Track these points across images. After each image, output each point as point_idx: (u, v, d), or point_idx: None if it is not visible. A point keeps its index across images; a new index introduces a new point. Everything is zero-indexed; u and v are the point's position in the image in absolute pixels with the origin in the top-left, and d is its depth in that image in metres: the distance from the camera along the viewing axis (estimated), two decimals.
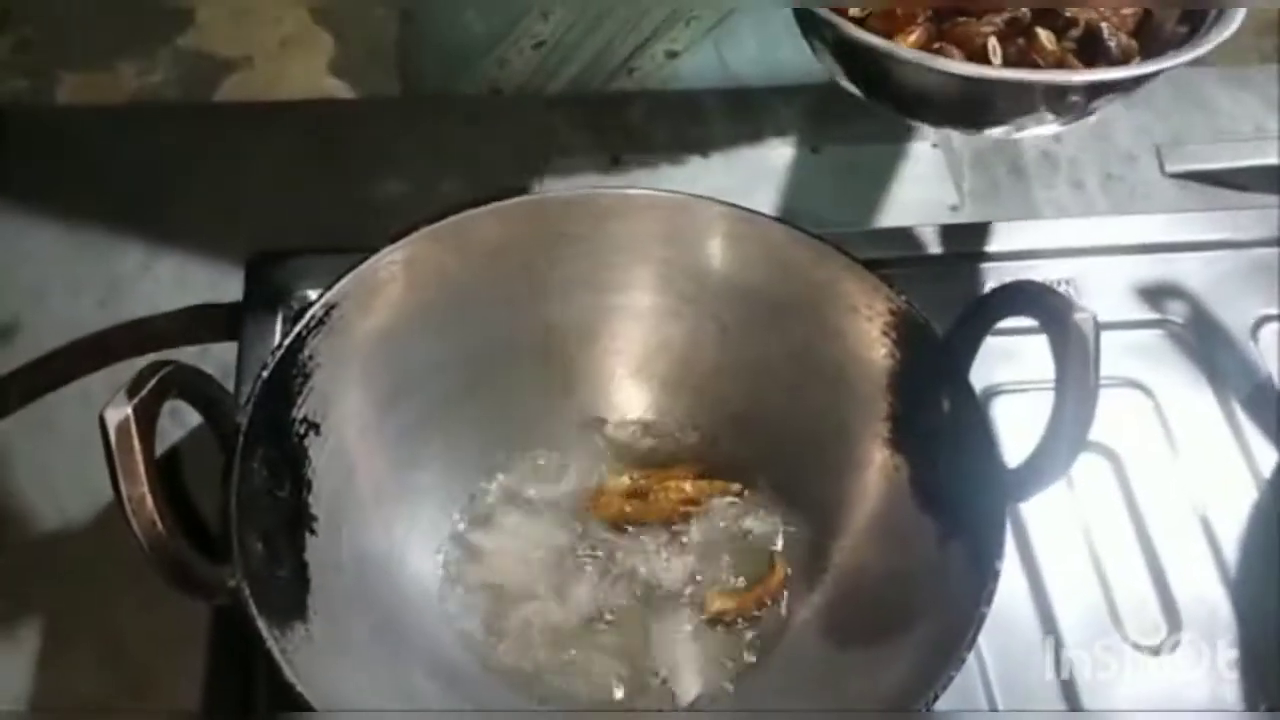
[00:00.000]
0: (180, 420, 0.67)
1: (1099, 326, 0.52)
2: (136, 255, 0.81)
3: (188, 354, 0.76)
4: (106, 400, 0.48)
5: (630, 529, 0.64)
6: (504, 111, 0.96)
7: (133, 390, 0.48)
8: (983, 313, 0.57)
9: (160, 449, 0.54)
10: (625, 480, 0.66)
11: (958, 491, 0.57)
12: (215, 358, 0.74)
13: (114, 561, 0.70)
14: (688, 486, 0.65)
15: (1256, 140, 1.00)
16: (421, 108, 0.97)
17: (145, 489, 0.47)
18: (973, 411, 0.57)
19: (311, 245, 0.78)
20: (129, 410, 0.47)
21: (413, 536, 0.62)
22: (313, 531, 0.57)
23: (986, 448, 0.56)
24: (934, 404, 0.59)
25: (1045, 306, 0.53)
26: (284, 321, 0.74)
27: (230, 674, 0.62)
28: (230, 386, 0.69)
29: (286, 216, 0.84)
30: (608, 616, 0.62)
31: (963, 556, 0.55)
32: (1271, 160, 0.97)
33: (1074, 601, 0.66)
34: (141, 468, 0.47)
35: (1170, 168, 0.98)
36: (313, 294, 0.70)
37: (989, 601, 0.51)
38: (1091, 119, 0.65)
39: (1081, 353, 0.51)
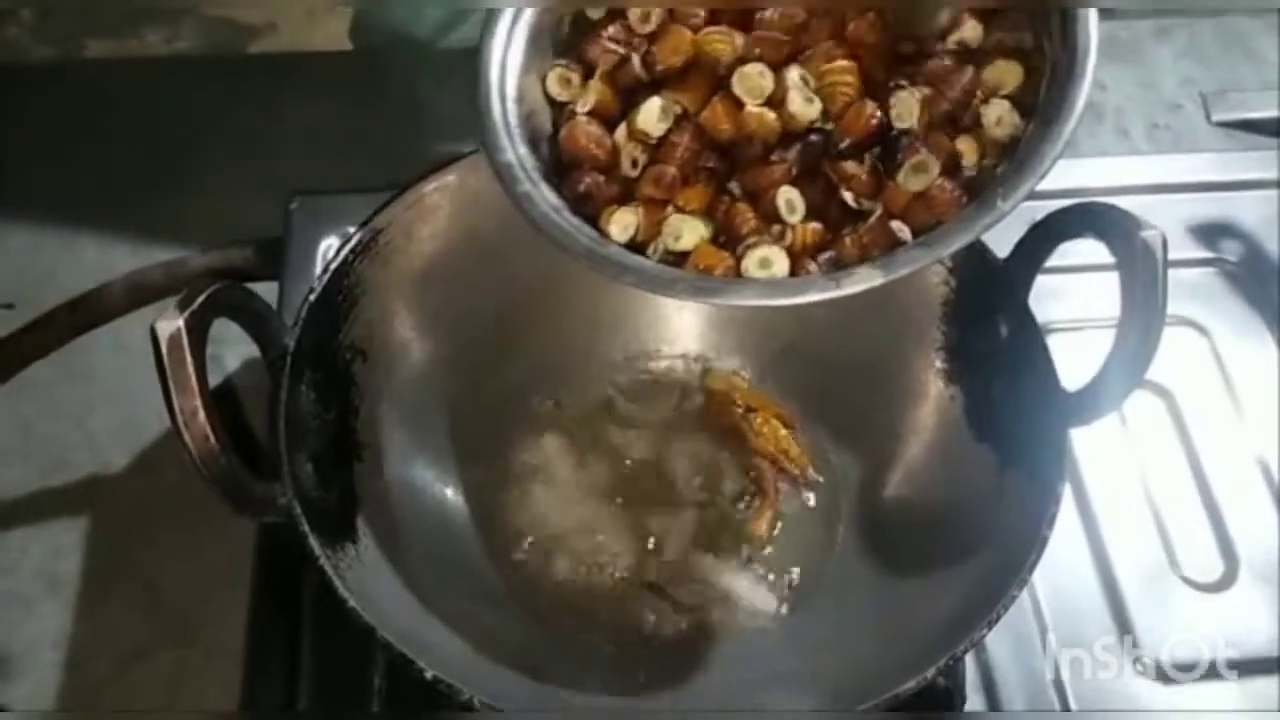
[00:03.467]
0: (233, 349, 0.68)
1: (1167, 245, 0.50)
2: (169, 204, 0.81)
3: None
4: (156, 315, 0.48)
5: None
6: None
7: (183, 304, 0.47)
8: (1045, 234, 0.55)
9: (215, 380, 0.54)
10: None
11: (1015, 418, 0.56)
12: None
13: (153, 506, 0.70)
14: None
15: None
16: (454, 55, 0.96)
17: (199, 401, 0.46)
18: (1032, 336, 0.56)
19: (351, 185, 0.77)
20: (180, 322, 0.46)
21: (459, 466, 0.61)
22: (359, 459, 0.57)
23: (1046, 372, 0.55)
24: (991, 331, 0.58)
25: (1112, 225, 0.52)
26: (324, 258, 0.73)
27: (274, 617, 0.62)
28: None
29: (322, 164, 0.83)
30: (652, 545, 0.61)
31: (1022, 482, 0.54)
32: None
33: (1129, 541, 0.65)
34: (194, 379, 0.46)
35: (1216, 116, 0.96)
36: (354, 230, 0.70)
37: (1051, 524, 0.50)
38: None
39: (1150, 270, 0.50)
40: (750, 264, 0.46)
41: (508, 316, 0.63)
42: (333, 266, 0.57)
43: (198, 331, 0.47)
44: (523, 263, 0.62)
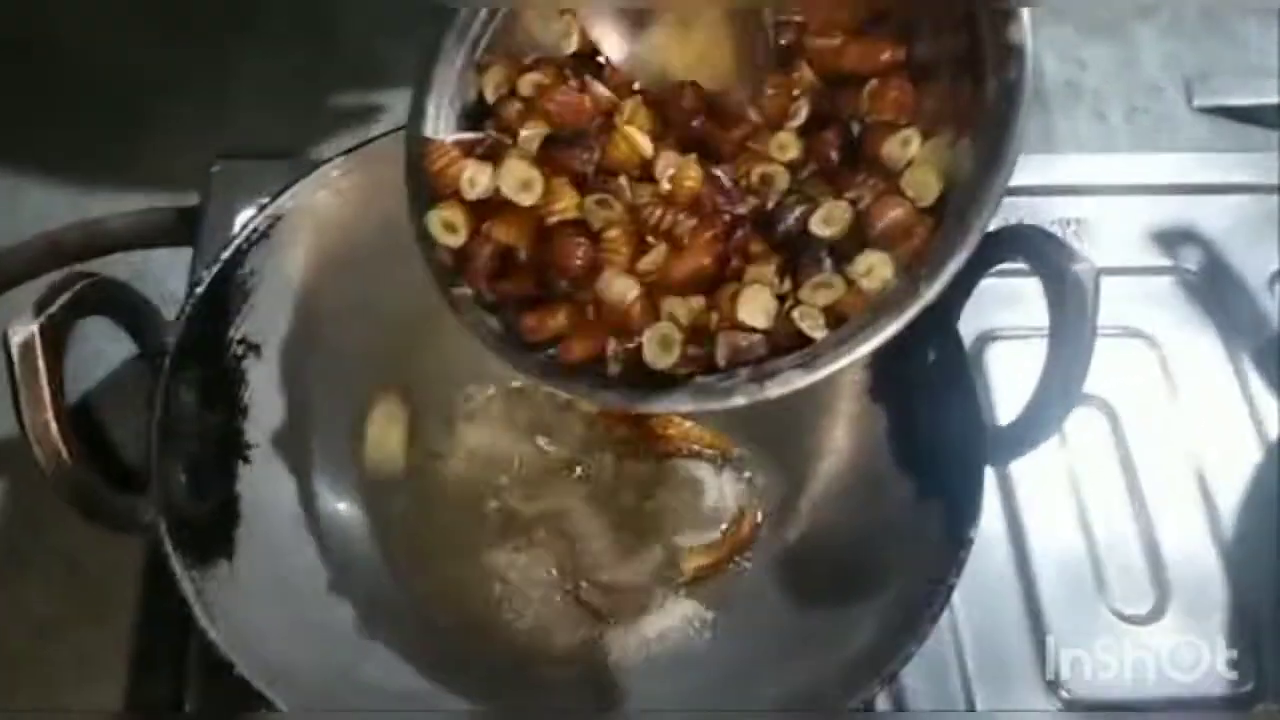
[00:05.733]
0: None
1: (1099, 279, 0.47)
2: (112, 154, 0.78)
3: (140, 256, 0.72)
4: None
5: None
6: None
7: (41, 305, 0.44)
8: (978, 257, 0.52)
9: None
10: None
11: (937, 449, 0.53)
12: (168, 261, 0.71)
13: None
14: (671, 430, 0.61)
15: None
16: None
17: (50, 415, 0.43)
18: (958, 364, 0.53)
19: (277, 150, 0.74)
20: (35, 328, 0.44)
21: (358, 471, 0.59)
22: (246, 460, 0.54)
23: (970, 405, 0.52)
24: (918, 353, 0.55)
25: (1043, 253, 0.49)
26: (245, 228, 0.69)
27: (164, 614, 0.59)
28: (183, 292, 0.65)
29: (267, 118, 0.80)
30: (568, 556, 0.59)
31: (936, 517, 0.51)
32: None
33: (1058, 564, 0.63)
34: (46, 392, 0.43)
35: (1198, 101, 0.93)
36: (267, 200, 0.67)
37: (959, 573, 0.48)
38: None
39: (1079, 307, 0.47)
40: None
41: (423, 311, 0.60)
42: (224, 256, 0.54)
43: (55, 335, 0.44)
44: None
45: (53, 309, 0.44)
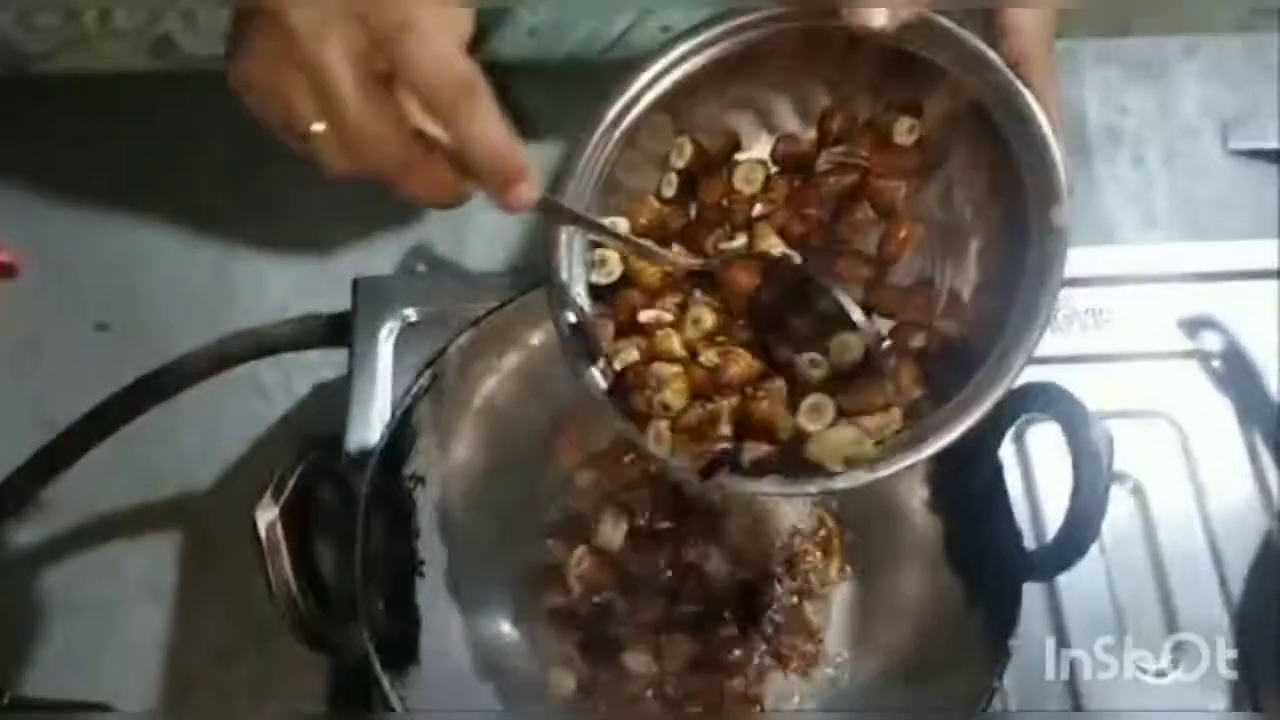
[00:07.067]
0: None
1: (1113, 443, 0.58)
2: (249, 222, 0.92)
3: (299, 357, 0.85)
4: (255, 500, 0.57)
5: None
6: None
7: (277, 491, 0.57)
8: (1012, 406, 0.63)
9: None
10: None
11: (982, 563, 0.64)
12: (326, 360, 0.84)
13: (236, 525, 0.81)
14: None
15: None
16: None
17: (290, 581, 0.56)
18: (1000, 495, 0.64)
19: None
20: (276, 512, 0.56)
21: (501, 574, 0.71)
22: (421, 575, 0.67)
23: (1009, 530, 0.63)
24: (966, 479, 0.66)
25: (1064, 414, 0.60)
26: (389, 335, 0.80)
27: None
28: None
29: None
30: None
31: (981, 624, 0.63)
32: None
33: (1089, 627, 0.73)
34: (286, 563, 0.56)
35: (1234, 144, 1.00)
36: (410, 313, 0.79)
37: (1000, 676, 0.60)
38: None
39: (1094, 465, 0.58)
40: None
41: (547, 435, 0.73)
42: (398, 415, 0.66)
43: (291, 518, 0.57)
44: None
45: (286, 492, 0.57)
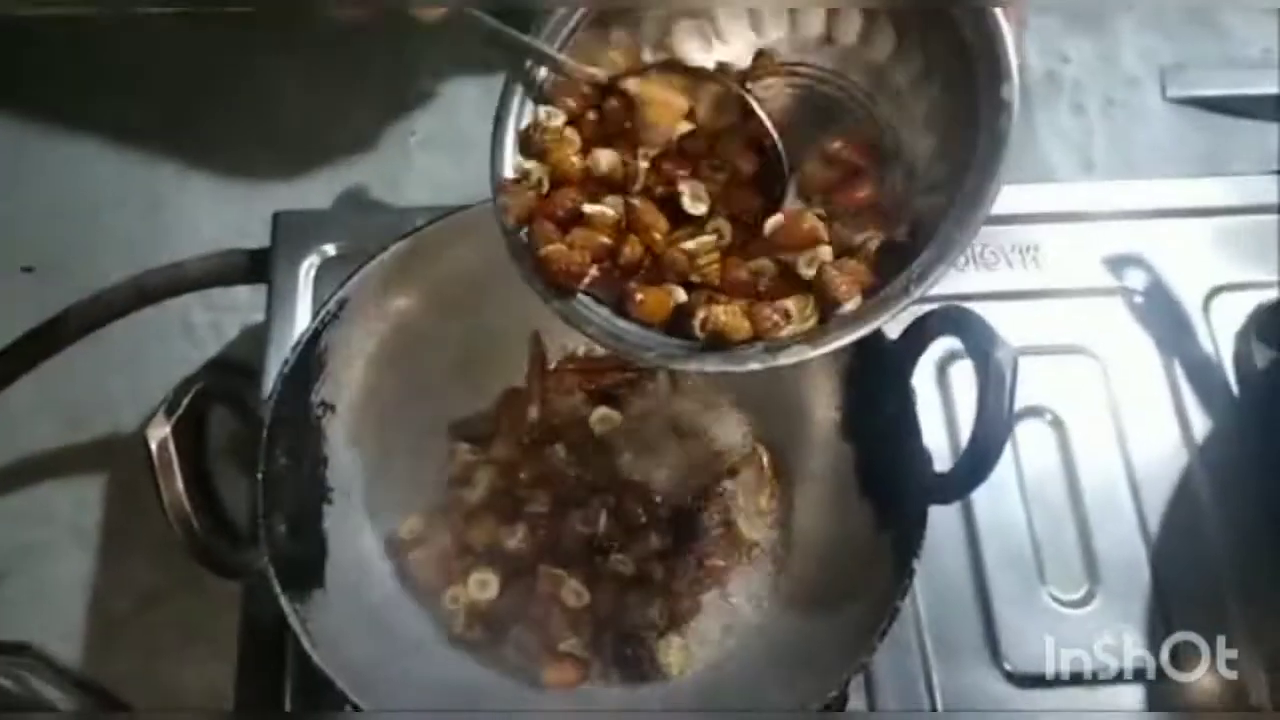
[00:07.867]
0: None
1: (1017, 363, 0.58)
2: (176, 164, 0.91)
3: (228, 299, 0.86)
4: (147, 418, 0.57)
5: None
6: None
7: (170, 409, 0.56)
8: (922, 329, 0.63)
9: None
10: None
11: (890, 485, 0.64)
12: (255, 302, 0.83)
13: None
14: None
15: (1262, 67, 1.02)
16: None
17: (183, 497, 0.55)
18: (910, 418, 0.64)
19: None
20: (168, 430, 0.56)
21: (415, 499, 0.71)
22: (329, 502, 0.66)
23: (918, 453, 0.63)
24: (878, 403, 0.66)
25: (972, 335, 0.59)
26: (306, 274, 0.81)
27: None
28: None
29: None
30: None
31: (888, 546, 0.63)
32: (1272, 89, 1.00)
33: (1006, 557, 0.74)
34: (179, 480, 0.56)
35: (1172, 92, 1.01)
36: (330, 248, 0.78)
37: (904, 595, 0.60)
38: None
39: (999, 386, 0.57)
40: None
41: (465, 360, 0.72)
42: (303, 340, 0.65)
43: (184, 432, 0.57)
44: (487, 313, 0.70)
45: (180, 410, 0.56)
